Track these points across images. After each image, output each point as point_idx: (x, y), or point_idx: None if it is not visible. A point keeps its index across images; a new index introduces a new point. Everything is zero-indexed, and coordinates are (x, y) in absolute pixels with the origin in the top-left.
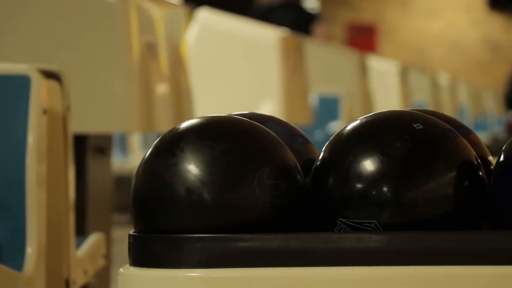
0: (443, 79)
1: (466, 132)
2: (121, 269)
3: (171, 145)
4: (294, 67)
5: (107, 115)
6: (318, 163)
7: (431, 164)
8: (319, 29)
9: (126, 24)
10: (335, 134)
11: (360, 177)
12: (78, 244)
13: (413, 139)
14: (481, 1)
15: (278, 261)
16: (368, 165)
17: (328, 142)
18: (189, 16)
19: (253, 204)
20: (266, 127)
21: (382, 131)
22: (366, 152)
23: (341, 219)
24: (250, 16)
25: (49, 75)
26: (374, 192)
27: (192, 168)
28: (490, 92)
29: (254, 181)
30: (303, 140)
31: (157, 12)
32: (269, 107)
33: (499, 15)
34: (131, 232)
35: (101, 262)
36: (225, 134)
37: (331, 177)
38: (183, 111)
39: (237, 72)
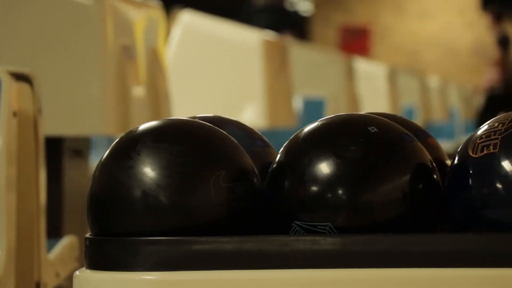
0: (433, 81)
1: (424, 136)
2: (76, 272)
3: (127, 148)
4: (278, 70)
5: (83, 117)
6: (274, 166)
7: (385, 167)
8: (284, 37)
9: (101, 26)
10: (292, 137)
11: (315, 180)
12: (52, 247)
13: (367, 142)
14: (474, 4)
15: (233, 263)
16: (323, 168)
17: (284, 145)
18: (173, 19)
19: (209, 207)
20: (225, 130)
21: (337, 134)
22: (321, 155)
23: (296, 222)
24: (237, 20)
25: (20, 77)
26: (328, 195)
27: (148, 171)
28: (482, 94)
29: (209, 184)
30: (263, 144)
31: (134, 15)
32: (252, 110)
33: None
34: (88, 235)
35: (73, 265)
36: (181, 137)
37: (287, 180)
38: (160, 113)
39: (220, 75)
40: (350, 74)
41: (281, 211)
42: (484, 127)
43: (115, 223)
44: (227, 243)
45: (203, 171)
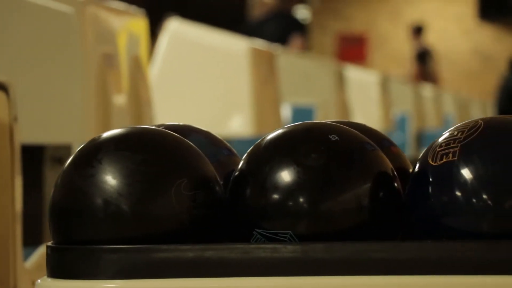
0: (427, 89)
1: (388, 144)
2: (38, 281)
3: (89, 156)
4: (265, 78)
5: (64, 125)
6: (236, 174)
7: (345, 175)
8: (294, 41)
9: (82, 35)
10: (254, 145)
11: (276, 188)
12: (30, 255)
13: (328, 150)
14: (471, 12)
15: (194, 271)
16: (284, 176)
17: (246, 153)
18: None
19: (170, 215)
20: (190, 138)
21: (298, 142)
22: (282, 163)
23: (258, 230)
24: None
25: None
26: (289, 203)
27: (110, 179)
28: (478, 102)
29: (171, 192)
30: (228, 152)
31: (116, 23)
32: (240, 118)
33: (489, 25)
34: (49, 243)
35: None
36: (143, 145)
37: (248, 188)
38: (142, 122)
39: (207, 83)
40: (340, 81)
41: (242, 219)
42: (444, 136)
43: (76, 232)
44: (188, 251)
45: (165, 179)
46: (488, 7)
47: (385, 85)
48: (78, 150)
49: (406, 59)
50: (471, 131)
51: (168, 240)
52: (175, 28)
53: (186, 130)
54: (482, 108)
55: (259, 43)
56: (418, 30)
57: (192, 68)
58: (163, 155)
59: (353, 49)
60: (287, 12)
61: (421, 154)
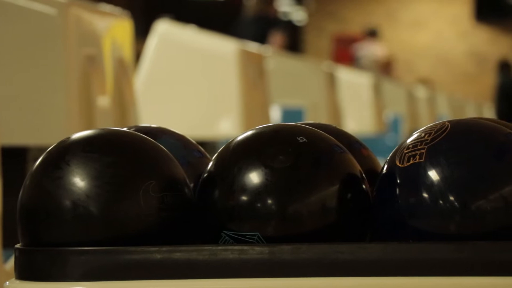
0: (421, 91)
1: (359, 146)
2: (7, 283)
3: (57, 158)
4: (254, 80)
5: (47, 127)
6: (205, 175)
7: (313, 177)
8: (273, 37)
9: (65, 36)
10: (223, 147)
11: (244, 190)
12: (10, 257)
13: (296, 152)
14: (467, 13)
15: (162, 273)
16: (252, 178)
17: (215, 155)
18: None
19: (138, 217)
20: (161, 140)
21: (266, 144)
22: (250, 165)
23: (226, 232)
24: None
25: None
26: (256, 205)
27: (77, 181)
28: (473, 104)
29: (139, 194)
30: (199, 154)
31: (101, 25)
32: (228, 120)
33: (485, 27)
34: (17, 245)
35: None
36: (111, 147)
37: (216, 189)
38: (126, 123)
39: (195, 85)
40: (331, 83)
41: (210, 220)
42: (411, 137)
43: (44, 234)
44: (156, 253)
45: (133, 181)
46: (484, 8)
47: (377, 86)
48: (47, 152)
49: (402, 61)
50: (438, 133)
51: (136, 242)
52: (164, 29)
53: (157, 132)
54: (478, 110)
55: (248, 45)
56: (372, 34)
57: (181, 70)
58: (132, 157)
59: (349, 51)
60: (268, 16)
61: (389, 156)
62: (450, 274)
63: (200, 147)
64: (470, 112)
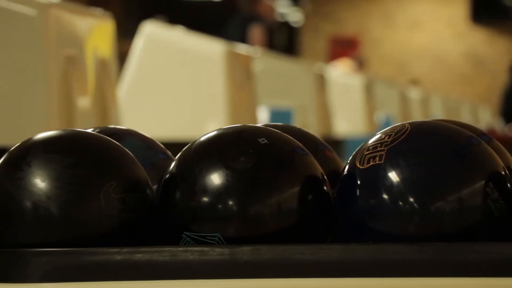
0: (414, 92)
1: (323, 148)
2: None
3: (18, 159)
4: (242, 81)
5: (27, 127)
6: (167, 176)
7: (274, 178)
8: (254, 33)
9: (44, 37)
10: (185, 148)
11: (205, 191)
12: None
13: (257, 153)
14: (463, 15)
15: (123, 274)
16: (213, 179)
17: (177, 156)
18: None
19: (99, 218)
20: (125, 141)
21: (227, 145)
22: (211, 166)
23: (187, 233)
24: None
25: None
26: (217, 206)
27: (38, 182)
28: (469, 106)
29: (100, 195)
30: (165, 156)
31: (82, 25)
32: (215, 122)
33: (481, 28)
34: None
35: None
36: (72, 148)
37: (178, 191)
38: (108, 124)
39: (182, 86)
40: (321, 84)
41: (172, 222)
42: (372, 139)
43: (5, 235)
44: (116, 254)
45: (94, 182)
46: (480, 10)
47: (369, 87)
48: (8, 153)
49: (398, 62)
50: (398, 135)
51: (97, 243)
52: (150, 31)
53: (122, 134)
54: (473, 112)
55: (236, 46)
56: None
57: (167, 71)
58: (93, 158)
59: (345, 52)
60: (248, 16)
61: (350, 157)
62: (410, 275)
63: (165, 149)
64: (465, 113)
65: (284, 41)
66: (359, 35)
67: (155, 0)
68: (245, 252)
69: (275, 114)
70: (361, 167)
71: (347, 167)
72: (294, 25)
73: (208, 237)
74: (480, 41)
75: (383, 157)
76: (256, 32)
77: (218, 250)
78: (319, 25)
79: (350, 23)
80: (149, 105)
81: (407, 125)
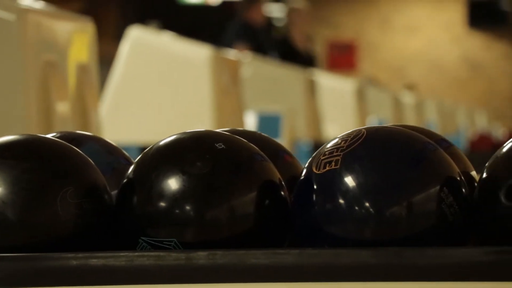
0: (408, 97)
1: (283, 154)
2: None
3: None
4: (228, 86)
5: (5, 133)
6: (124, 181)
7: (230, 183)
8: (237, 46)
9: (23, 42)
10: (143, 152)
11: (162, 196)
12: None
13: (214, 158)
14: (460, 19)
15: (78, 279)
16: (169, 184)
17: (135, 161)
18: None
19: (56, 223)
20: (85, 146)
21: (184, 150)
22: (168, 171)
23: (143, 238)
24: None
25: None
26: (173, 211)
27: None
28: (465, 110)
29: (56, 200)
30: (126, 162)
31: (62, 30)
32: (201, 127)
33: (478, 33)
34: None
35: None
36: (29, 153)
37: (135, 196)
38: (88, 129)
39: (168, 91)
40: (311, 89)
41: (128, 227)
42: (328, 144)
43: None
44: (72, 259)
45: (50, 188)
46: (477, 14)
47: (361, 92)
48: None
49: (395, 66)
50: (354, 140)
51: (54, 248)
52: (136, 35)
53: (82, 139)
54: (469, 116)
55: (223, 51)
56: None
57: (153, 76)
58: (49, 164)
59: (342, 57)
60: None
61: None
62: (365, 280)
63: (126, 154)
64: (460, 118)
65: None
66: (356, 39)
67: (152, 5)
68: (201, 257)
69: (263, 119)
70: (317, 172)
71: (304, 172)
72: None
73: (164, 242)
74: (477, 46)
75: (339, 162)
76: (240, 47)
77: (174, 255)
78: (316, 30)
79: (347, 27)
80: (135, 110)
81: (363, 130)
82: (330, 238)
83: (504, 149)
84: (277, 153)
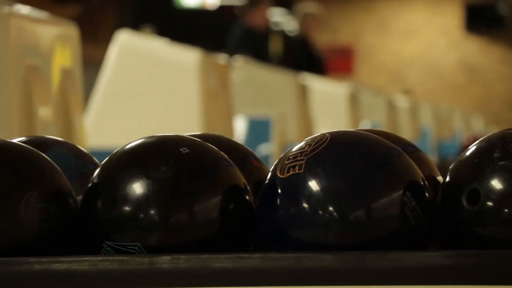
0: (403, 101)
1: (251, 158)
2: None
3: None
4: (217, 90)
5: None
6: (89, 185)
7: (194, 188)
8: (256, 15)
9: (5, 46)
10: (108, 156)
11: (126, 200)
12: None
13: (178, 163)
14: (458, 23)
15: (42, 284)
16: (134, 188)
17: (100, 165)
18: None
19: (19, 228)
20: (53, 151)
21: (149, 154)
22: (132, 175)
23: (107, 242)
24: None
25: None
26: (137, 215)
27: None
28: (461, 115)
29: (20, 205)
30: (94, 167)
31: (46, 34)
32: (189, 132)
33: (475, 37)
34: None
35: None
36: None
37: (99, 200)
38: (71, 134)
39: (156, 95)
40: (303, 93)
41: (93, 231)
42: (293, 148)
43: None
44: (35, 264)
45: (13, 192)
46: (474, 19)
47: (354, 97)
48: None
49: (392, 71)
50: (318, 144)
51: (17, 253)
52: (124, 39)
53: (50, 143)
54: (465, 120)
55: (212, 55)
56: None
57: (141, 80)
58: (13, 168)
59: (340, 61)
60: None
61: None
62: (328, 283)
63: (95, 159)
64: (457, 122)
65: (279, 50)
66: (353, 44)
67: (149, 9)
68: (164, 261)
69: (253, 123)
70: (281, 176)
71: (268, 176)
72: (289, 34)
73: (128, 247)
74: (474, 50)
75: (303, 166)
76: (261, 12)
77: (137, 259)
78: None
79: (344, 32)
80: (122, 114)
81: (327, 134)
82: (294, 242)
83: (467, 153)
84: (245, 158)
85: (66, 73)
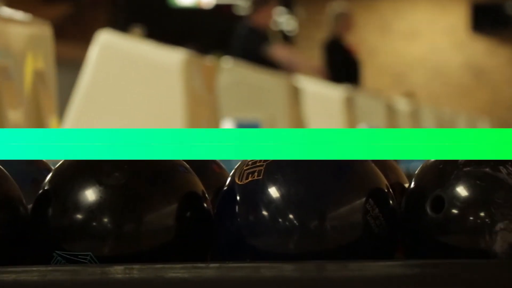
0: (403, 104)
1: (212, 164)
2: None
3: None
4: (201, 92)
5: None
6: (40, 192)
7: (149, 195)
8: (274, 52)
9: None
10: (60, 162)
11: (77, 208)
12: None
13: (132, 169)
14: (463, 24)
15: None
16: (86, 195)
17: (52, 171)
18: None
19: None
20: None
21: (101, 160)
22: (84, 182)
23: (58, 252)
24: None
25: None
26: (89, 224)
27: None
28: (465, 118)
29: None
30: (48, 172)
31: (16, 34)
32: None
33: (482, 38)
34: None
35: None
36: None
37: (50, 207)
38: None
39: (139, 97)
40: (295, 96)
41: (43, 240)
42: None
43: None
44: None
45: None
46: (481, 19)
47: (350, 100)
48: None
49: (395, 72)
50: None
51: None
52: (105, 39)
53: None
54: (471, 125)
55: (198, 56)
56: None
57: (123, 81)
58: None
59: None
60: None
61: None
62: None
63: (49, 165)
64: (461, 127)
65: None
66: (356, 44)
67: (141, 8)
68: (117, 271)
69: (242, 127)
70: (240, 182)
71: (227, 182)
72: (289, 34)
73: (80, 256)
74: (481, 51)
75: (262, 172)
76: (279, 51)
77: (89, 269)
78: (314, 34)
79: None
80: (104, 116)
81: None
82: (252, 251)
83: (431, 159)
84: (205, 164)
85: (38, 75)
